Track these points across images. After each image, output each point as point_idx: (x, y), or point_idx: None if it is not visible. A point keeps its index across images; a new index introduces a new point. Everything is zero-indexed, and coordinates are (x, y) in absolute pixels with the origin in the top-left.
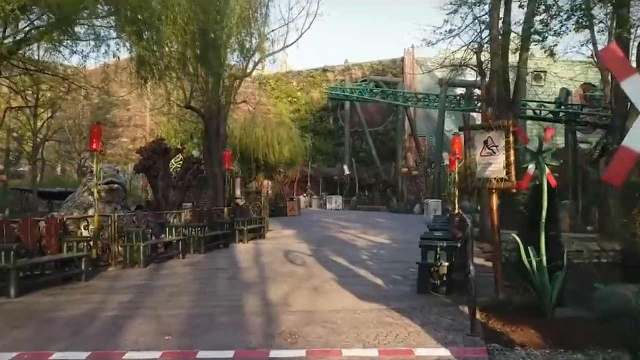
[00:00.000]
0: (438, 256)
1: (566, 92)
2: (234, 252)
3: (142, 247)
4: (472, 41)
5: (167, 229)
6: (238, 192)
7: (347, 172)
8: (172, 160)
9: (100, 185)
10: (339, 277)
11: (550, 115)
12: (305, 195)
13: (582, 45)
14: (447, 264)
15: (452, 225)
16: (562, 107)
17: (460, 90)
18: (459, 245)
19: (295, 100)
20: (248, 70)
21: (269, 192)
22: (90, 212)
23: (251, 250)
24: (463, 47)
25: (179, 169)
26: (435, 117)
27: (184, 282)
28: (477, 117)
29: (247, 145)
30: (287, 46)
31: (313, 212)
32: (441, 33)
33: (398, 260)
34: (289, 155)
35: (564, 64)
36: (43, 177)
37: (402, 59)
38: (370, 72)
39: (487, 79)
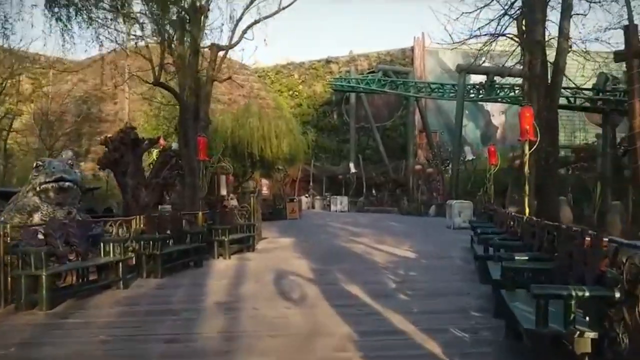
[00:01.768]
0: (572, 317)
1: (605, 78)
2: (204, 276)
3: (44, 277)
4: (505, 14)
5: (103, 244)
6: (224, 191)
7: (352, 170)
8: (154, 155)
9: (47, 182)
10: (362, 332)
11: (587, 104)
12: (307, 195)
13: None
14: (593, 333)
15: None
16: (601, 94)
17: (474, 79)
18: (617, 294)
19: (297, 93)
20: (234, 39)
21: (261, 190)
22: (36, 217)
23: (231, 271)
24: (501, 13)
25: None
26: (447, 110)
27: (87, 350)
28: (492, 111)
29: (240, 138)
30: (283, 8)
31: (316, 214)
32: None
33: (441, 291)
34: (288, 149)
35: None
36: (5, 174)
37: (412, 48)
38: (378, 63)
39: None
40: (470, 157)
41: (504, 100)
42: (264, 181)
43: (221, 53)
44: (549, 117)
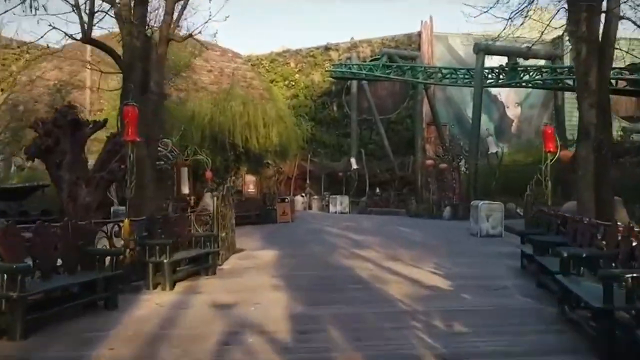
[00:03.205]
0: None
1: None
2: (98, 335)
3: None
4: None
5: None
6: (185, 189)
7: (354, 166)
8: None
9: None
10: None
11: (628, 87)
12: (303, 194)
13: None
14: None
15: None
16: None
17: (491, 61)
18: None
19: (293, 83)
20: None
21: (247, 189)
22: None
23: (154, 321)
24: None
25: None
26: (457, 100)
27: None
28: (507, 102)
29: (220, 126)
30: None
31: (312, 217)
32: None
33: None
34: (278, 139)
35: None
36: None
37: (419, 34)
38: (382, 48)
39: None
40: (493, 149)
41: (529, 85)
42: (250, 177)
43: (180, 4)
44: (600, 96)
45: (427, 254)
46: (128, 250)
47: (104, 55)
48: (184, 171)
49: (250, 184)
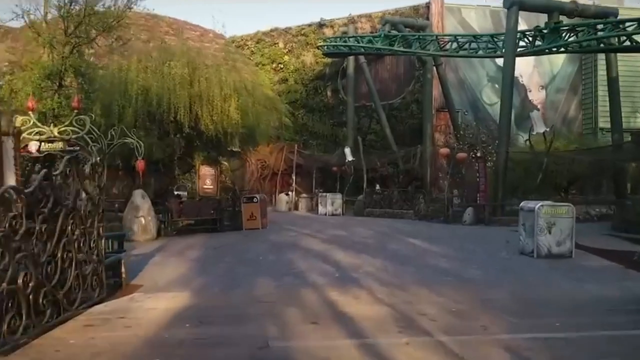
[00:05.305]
0: None
1: None
2: None
3: None
4: None
5: None
6: (11, 179)
7: (349, 157)
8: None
9: None
10: None
11: None
12: (288, 192)
13: None
14: None
15: None
16: None
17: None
18: None
19: (282, 66)
20: None
21: (203, 185)
22: None
23: None
24: None
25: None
26: (472, 84)
27: None
28: (529, 85)
29: (159, 99)
30: None
31: (293, 221)
32: None
33: None
34: (241, 117)
35: None
36: None
37: (427, 5)
38: (384, 24)
39: None
40: (540, 129)
41: (577, 49)
42: (207, 170)
43: None
44: None
45: (475, 307)
46: None
47: None
48: (8, 144)
49: (206, 178)
